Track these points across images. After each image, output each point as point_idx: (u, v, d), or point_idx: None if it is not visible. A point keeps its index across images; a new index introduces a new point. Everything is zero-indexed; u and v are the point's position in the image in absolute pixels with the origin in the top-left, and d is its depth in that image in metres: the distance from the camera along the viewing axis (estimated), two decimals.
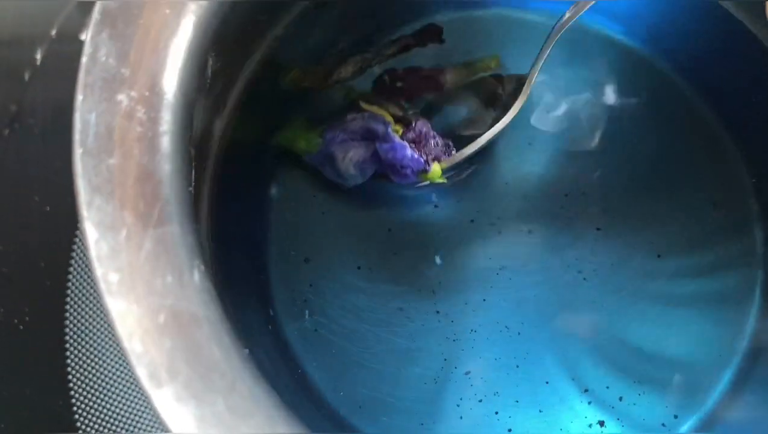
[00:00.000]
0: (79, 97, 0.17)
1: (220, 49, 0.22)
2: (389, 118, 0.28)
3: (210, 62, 0.20)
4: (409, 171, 0.27)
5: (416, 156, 0.27)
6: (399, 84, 0.30)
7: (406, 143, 0.27)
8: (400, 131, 0.28)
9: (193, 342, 0.16)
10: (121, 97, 0.17)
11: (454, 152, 0.28)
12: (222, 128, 0.26)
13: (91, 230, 0.16)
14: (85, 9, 0.37)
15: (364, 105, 0.28)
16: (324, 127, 0.28)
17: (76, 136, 0.17)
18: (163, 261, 0.16)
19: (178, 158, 0.18)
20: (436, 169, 0.27)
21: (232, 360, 0.16)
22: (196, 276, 0.17)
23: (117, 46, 0.18)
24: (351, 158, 0.28)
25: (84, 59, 0.17)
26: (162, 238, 0.17)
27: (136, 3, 0.18)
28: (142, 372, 0.15)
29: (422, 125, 0.28)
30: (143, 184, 0.17)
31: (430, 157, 0.27)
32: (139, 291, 0.16)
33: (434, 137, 0.28)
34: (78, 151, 0.16)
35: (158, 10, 0.18)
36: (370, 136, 0.28)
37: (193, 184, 0.20)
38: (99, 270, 0.16)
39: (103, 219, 0.16)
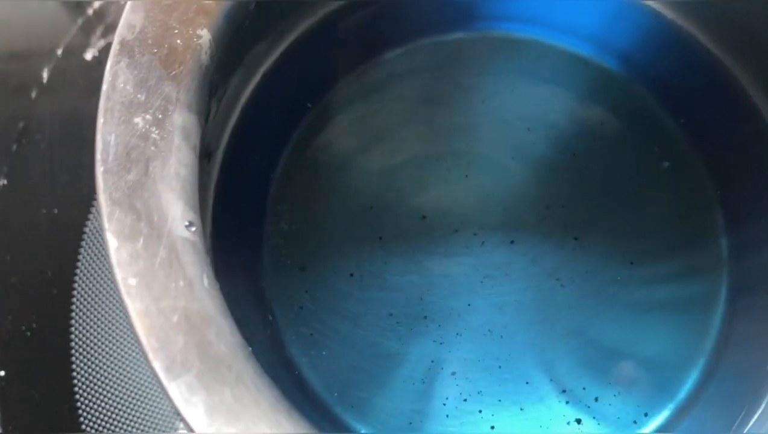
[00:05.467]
0: (101, 121, 0.19)
1: (225, 75, 0.24)
2: None
3: (220, 88, 0.22)
4: None
5: None
6: None
7: None
8: None
9: (203, 340, 0.18)
10: (138, 120, 0.19)
11: None
12: (224, 147, 0.28)
13: (112, 239, 0.18)
14: (90, 29, 0.39)
15: None
16: None
17: (98, 156, 0.18)
18: (176, 268, 0.18)
19: (188, 176, 0.20)
20: None
21: (237, 355, 0.18)
22: (205, 281, 0.19)
23: (134, 74, 0.20)
24: None
25: (104, 86, 0.19)
26: (174, 247, 0.18)
27: (151, 35, 0.20)
28: (158, 366, 0.17)
29: None
30: (157, 199, 0.19)
31: None
32: (155, 293, 0.17)
33: None
34: (100, 169, 0.18)
35: (171, 40, 0.20)
36: None
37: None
38: (119, 275, 0.17)
39: (123, 229, 0.18)
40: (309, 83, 0.31)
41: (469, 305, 0.30)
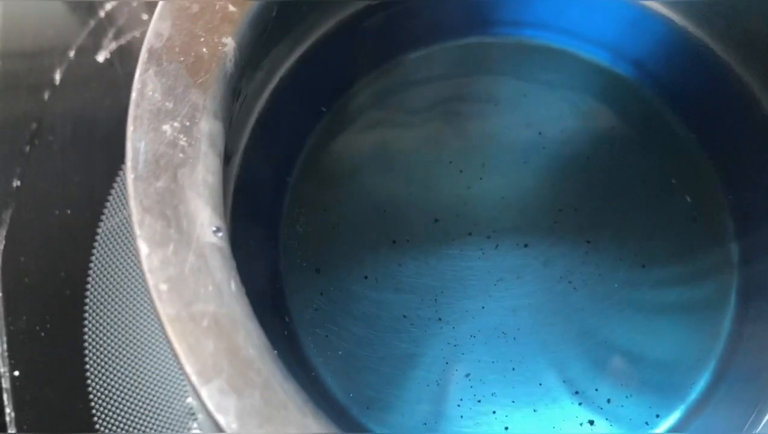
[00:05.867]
0: (130, 128, 0.19)
1: (246, 80, 0.24)
2: None
3: (241, 93, 0.23)
4: None
5: None
6: None
7: None
8: None
9: (233, 344, 0.18)
10: (166, 127, 0.20)
11: None
12: (241, 151, 0.28)
13: (143, 246, 0.18)
14: (101, 31, 0.39)
15: None
16: None
17: (129, 163, 0.19)
18: (205, 273, 0.19)
19: (215, 183, 0.20)
20: None
21: (265, 359, 0.18)
22: (233, 285, 0.19)
23: (162, 82, 0.20)
24: None
25: (133, 94, 0.19)
26: (202, 253, 0.19)
27: (178, 43, 0.20)
28: (191, 370, 0.17)
29: None
30: (186, 205, 0.19)
31: None
32: (185, 299, 0.18)
33: None
34: (130, 177, 0.18)
35: (197, 48, 0.21)
36: None
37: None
38: (151, 281, 0.18)
39: (153, 236, 0.18)
40: (326, 86, 0.32)
41: (482, 307, 0.30)
